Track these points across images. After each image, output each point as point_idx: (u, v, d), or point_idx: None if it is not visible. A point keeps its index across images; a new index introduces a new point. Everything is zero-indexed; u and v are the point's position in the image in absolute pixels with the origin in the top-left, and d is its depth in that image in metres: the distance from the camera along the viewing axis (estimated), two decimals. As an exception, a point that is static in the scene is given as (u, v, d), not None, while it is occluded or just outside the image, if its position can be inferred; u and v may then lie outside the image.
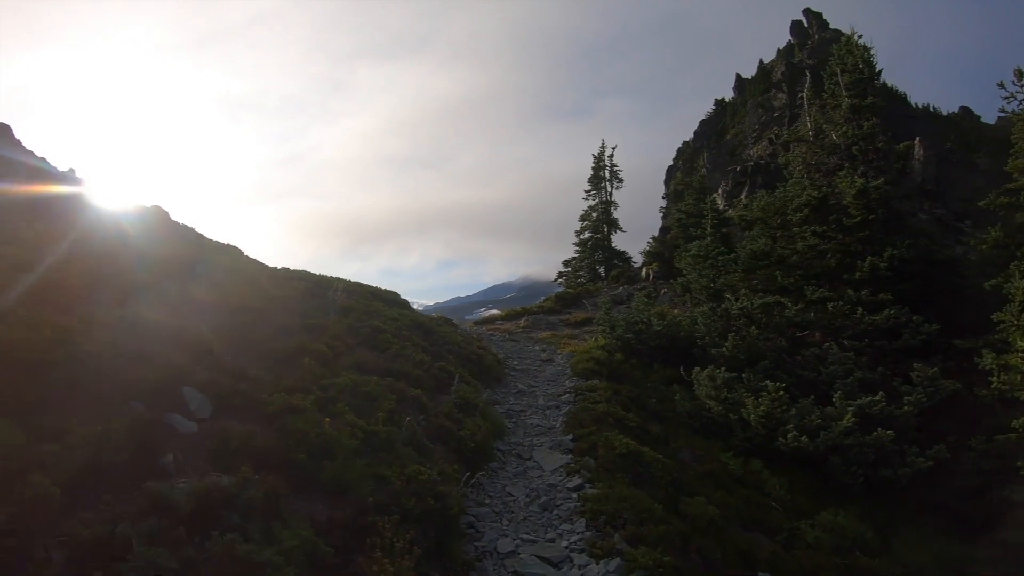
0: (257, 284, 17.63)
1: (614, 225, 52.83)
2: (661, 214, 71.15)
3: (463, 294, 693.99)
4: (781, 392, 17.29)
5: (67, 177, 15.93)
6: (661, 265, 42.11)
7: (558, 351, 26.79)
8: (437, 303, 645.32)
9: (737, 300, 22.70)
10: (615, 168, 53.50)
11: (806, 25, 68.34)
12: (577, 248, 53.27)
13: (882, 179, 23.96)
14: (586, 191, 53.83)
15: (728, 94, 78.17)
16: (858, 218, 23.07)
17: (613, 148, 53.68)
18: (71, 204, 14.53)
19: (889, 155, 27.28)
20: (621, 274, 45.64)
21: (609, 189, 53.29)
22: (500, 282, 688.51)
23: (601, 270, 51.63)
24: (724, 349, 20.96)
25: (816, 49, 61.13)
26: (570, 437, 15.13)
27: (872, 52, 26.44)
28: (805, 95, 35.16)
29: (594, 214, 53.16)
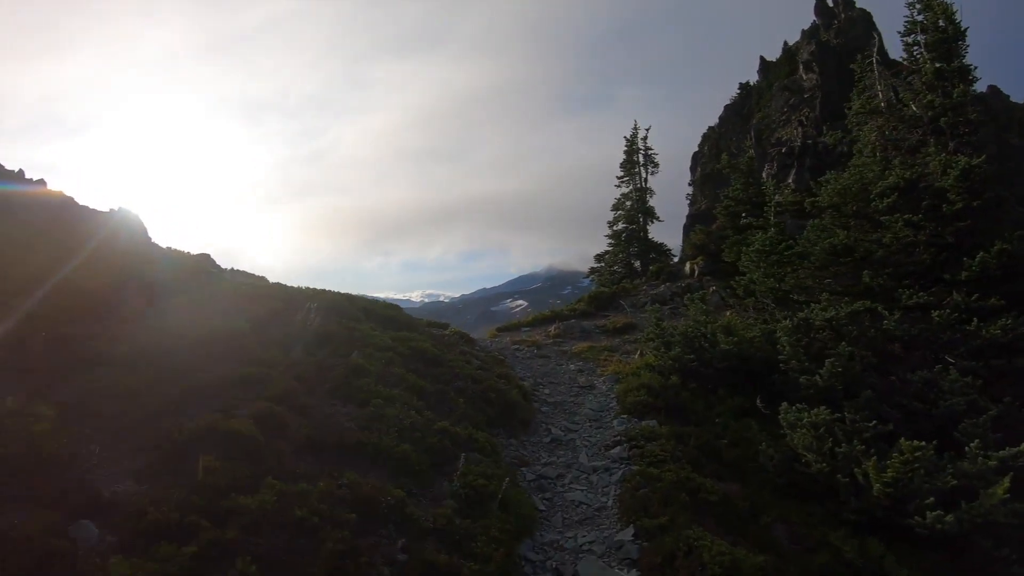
0: (204, 309, 13.01)
1: (650, 215, 47.60)
2: (688, 201, 70.62)
3: (489, 285, 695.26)
4: (918, 453, 12.24)
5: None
6: (708, 259, 37.23)
7: (598, 371, 22.15)
8: (463, 295, 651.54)
9: (819, 306, 17.76)
10: (650, 152, 48.32)
11: (831, 4, 64.86)
12: (610, 241, 48.09)
13: (983, 156, 18.75)
14: (618, 177, 48.62)
15: (751, 77, 75.74)
16: (959, 204, 17.94)
17: (647, 130, 48.53)
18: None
19: (983, 128, 22.20)
20: (661, 270, 40.50)
21: (644, 175, 48.08)
22: (526, 272, 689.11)
23: (637, 264, 46.45)
24: (817, 378, 15.90)
25: (843, 29, 59.24)
26: (631, 534, 10.34)
27: (955, 9, 20.98)
28: (874, 59, 29.90)
29: (628, 203, 47.98)
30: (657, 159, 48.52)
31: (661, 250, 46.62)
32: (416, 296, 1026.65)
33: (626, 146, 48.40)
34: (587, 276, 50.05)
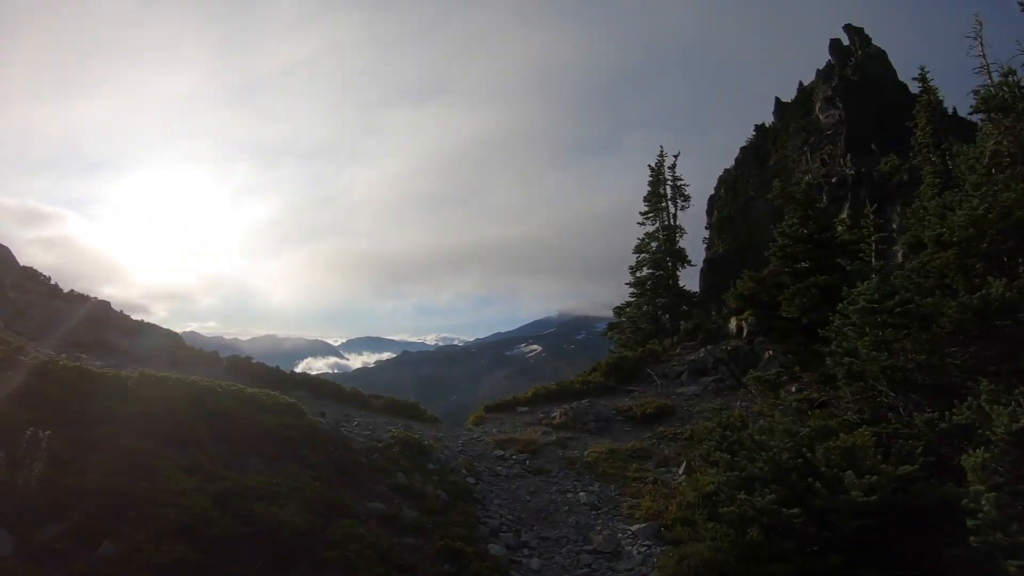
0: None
1: (680, 258, 39.31)
2: (705, 245, 68.88)
3: (503, 329, 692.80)
4: None
5: None
6: (759, 314, 29.12)
7: (625, 506, 14.05)
8: (478, 339, 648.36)
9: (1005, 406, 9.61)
10: (679, 183, 40.27)
11: (847, 43, 65.64)
12: (633, 290, 39.72)
13: None
14: (642, 214, 40.58)
15: (765, 119, 75.88)
16: None
17: (675, 157, 40.58)
18: None
19: None
20: (698, 327, 32.31)
21: (672, 210, 40.02)
22: (538, 317, 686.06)
23: (666, 319, 38.09)
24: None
25: (860, 65, 59.54)
26: None
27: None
28: (982, 53, 22.63)
29: (653, 244, 39.84)
30: (688, 191, 40.60)
31: (694, 300, 38.40)
32: (431, 339, 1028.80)
33: (651, 176, 40.61)
34: (607, 333, 42.01)
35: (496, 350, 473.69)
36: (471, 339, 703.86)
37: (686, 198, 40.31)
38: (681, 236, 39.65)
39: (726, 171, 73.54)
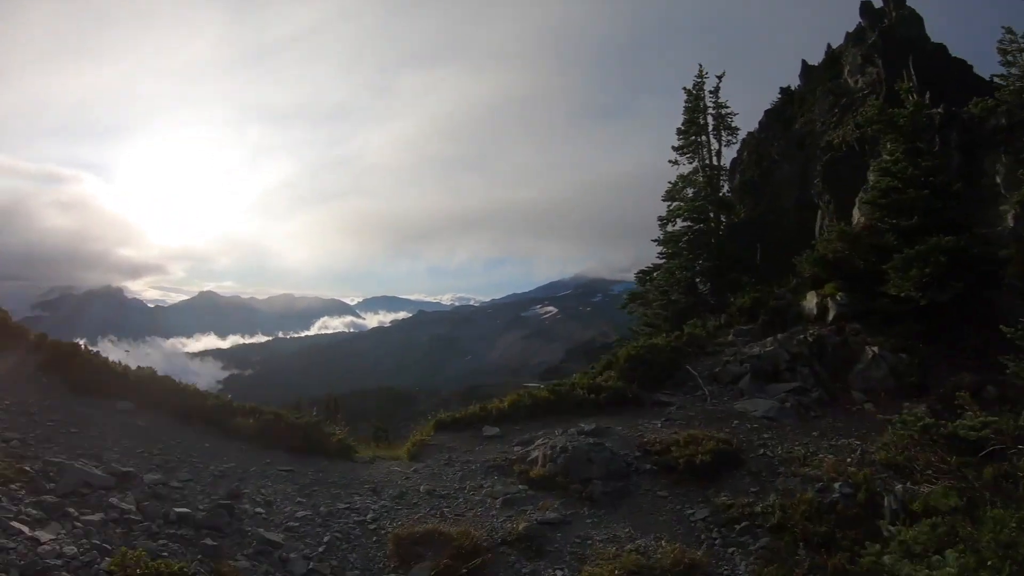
0: None
1: (726, 207, 29.85)
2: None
3: (519, 290, 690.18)
4: None
5: None
6: (853, 289, 20.14)
7: None
8: (493, 299, 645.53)
9: None
10: (724, 110, 30.59)
11: (878, 5, 60.68)
12: (662, 250, 30.17)
13: None
14: (675, 149, 30.83)
15: (790, 82, 70.67)
16: None
17: (719, 77, 30.97)
18: None
19: None
20: (759, 303, 22.91)
21: (715, 146, 30.32)
22: (552, 279, 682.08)
23: (705, 289, 28.61)
24: None
25: (894, 26, 55.38)
26: None
27: None
28: None
29: (689, 189, 30.10)
30: (735, 122, 31.07)
31: (747, 264, 28.72)
32: (447, 299, 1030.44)
33: (687, 102, 30.58)
34: (625, 306, 32.75)
35: (511, 311, 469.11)
36: (487, 300, 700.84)
37: (732, 131, 30.58)
38: (727, 180, 30.18)
39: (749, 134, 67.70)
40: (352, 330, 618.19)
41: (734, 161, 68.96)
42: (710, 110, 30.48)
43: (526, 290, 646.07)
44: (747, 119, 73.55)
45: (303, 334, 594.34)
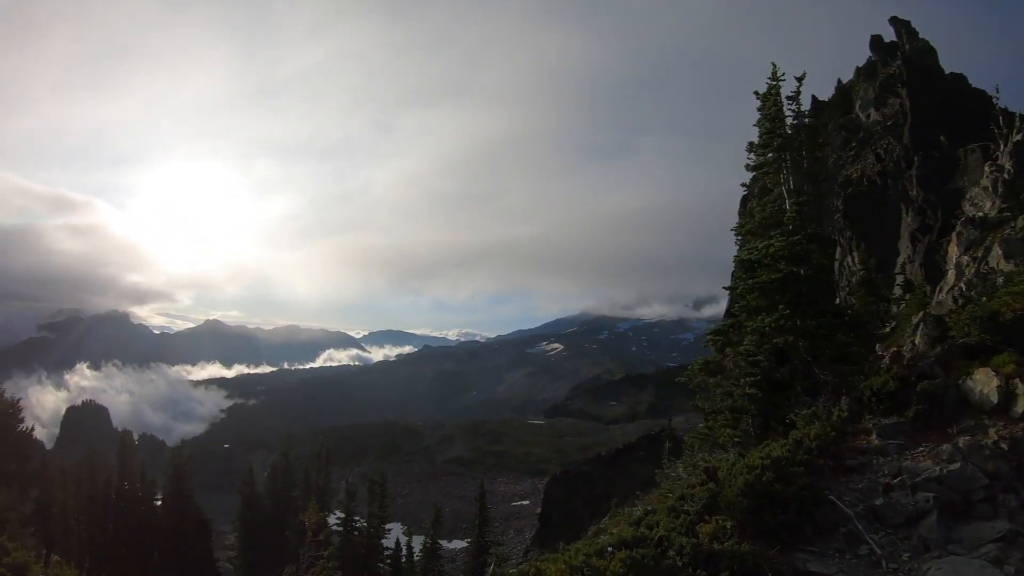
0: None
1: (826, 247, 23.66)
2: (738, 246, 62.61)
3: (525, 327, 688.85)
4: None
5: None
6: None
7: None
8: (499, 335, 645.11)
9: None
10: (806, 119, 24.26)
11: (888, 39, 63.16)
12: (745, 301, 21.88)
13: None
14: (752, 167, 26.34)
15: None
16: None
17: (799, 80, 23.30)
18: None
19: None
20: (906, 384, 14.41)
21: (804, 165, 25.50)
22: (555, 317, 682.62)
23: (802, 352, 19.71)
24: None
25: (911, 59, 56.82)
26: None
27: None
28: None
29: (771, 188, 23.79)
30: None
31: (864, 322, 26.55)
32: (452, 335, 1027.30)
33: (762, 109, 22.65)
34: (692, 382, 25.37)
35: (517, 347, 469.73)
36: (492, 335, 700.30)
37: (820, 146, 27.16)
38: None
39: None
40: (357, 363, 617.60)
41: (744, 198, 69.71)
42: (790, 116, 23.69)
43: (532, 327, 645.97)
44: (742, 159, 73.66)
45: (308, 365, 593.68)
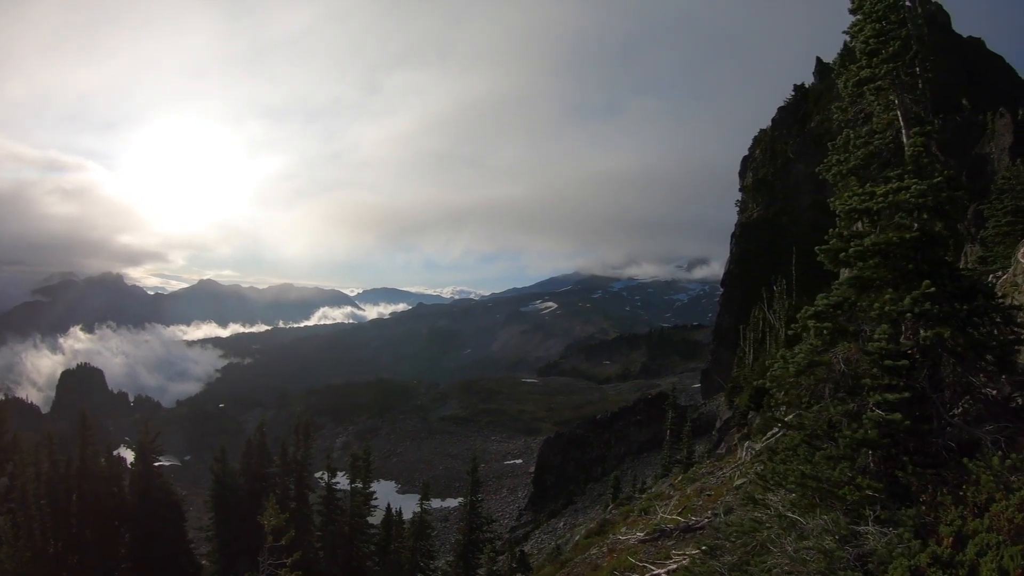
0: None
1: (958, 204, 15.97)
2: (738, 209, 68.58)
3: (517, 286, 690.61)
4: None
5: None
6: None
7: None
8: (493, 293, 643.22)
9: None
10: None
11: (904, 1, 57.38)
12: (851, 275, 9.60)
13: None
14: (860, 82, 14.75)
15: (791, 82, 72.59)
16: None
17: None
18: None
19: None
20: None
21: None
22: (546, 276, 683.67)
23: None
24: None
25: (924, 22, 49.47)
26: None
27: None
28: None
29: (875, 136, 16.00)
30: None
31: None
32: (447, 292, 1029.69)
33: (858, 5, 18.15)
34: (779, 376, 16.59)
35: (512, 306, 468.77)
36: (487, 294, 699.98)
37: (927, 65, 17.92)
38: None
39: (762, 131, 70.25)
40: (352, 321, 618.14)
41: (745, 159, 70.98)
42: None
43: (526, 285, 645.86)
44: (758, 117, 72.18)
45: (303, 324, 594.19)
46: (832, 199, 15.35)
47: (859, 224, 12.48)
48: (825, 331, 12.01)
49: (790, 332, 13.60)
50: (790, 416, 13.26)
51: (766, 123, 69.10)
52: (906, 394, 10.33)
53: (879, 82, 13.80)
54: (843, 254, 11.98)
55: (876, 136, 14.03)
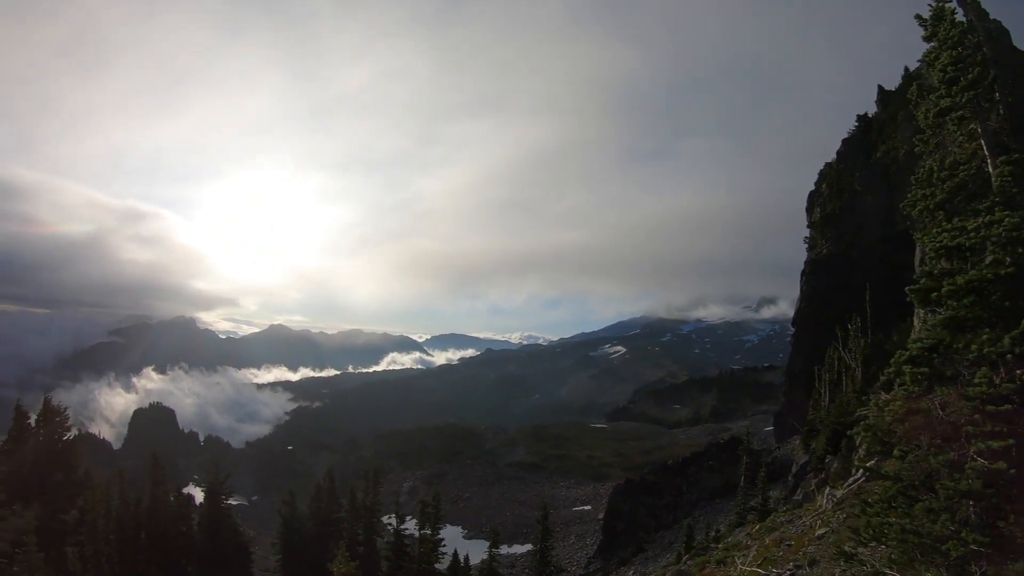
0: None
1: None
2: (807, 245, 66.53)
3: (585, 329, 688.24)
4: None
5: None
6: None
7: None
8: (562, 338, 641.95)
9: None
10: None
11: (962, 19, 54.35)
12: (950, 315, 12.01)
13: None
14: (940, 111, 12.47)
15: (861, 110, 67.83)
16: None
17: None
18: None
19: None
20: None
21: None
22: (618, 319, 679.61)
23: None
24: None
25: (985, 41, 48.24)
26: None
27: None
28: None
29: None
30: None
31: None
32: (515, 338, 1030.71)
33: (932, 34, 16.27)
34: (872, 423, 15.08)
35: (580, 350, 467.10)
36: (554, 339, 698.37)
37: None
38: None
39: (827, 165, 68.08)
40: (420, 366, 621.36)
41: (812, 194, 68.84)
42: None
43: (593, 329, 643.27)
44: (826, 150, 70.77)
45: (372, 369, 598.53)
46: (919, 235, 14.37)
47: (943, 262, 12.43)
48: (921, 376, 11.60)
49: (882, 376, 12.57)
50: (885, 466, 12.55)
51: (831, 156, 67.27)
52: (1010, 441, 9.71)
53: (960, 111, 14.00)
54: (935, 294, 11.79)
55: (961, 168, 13.87)
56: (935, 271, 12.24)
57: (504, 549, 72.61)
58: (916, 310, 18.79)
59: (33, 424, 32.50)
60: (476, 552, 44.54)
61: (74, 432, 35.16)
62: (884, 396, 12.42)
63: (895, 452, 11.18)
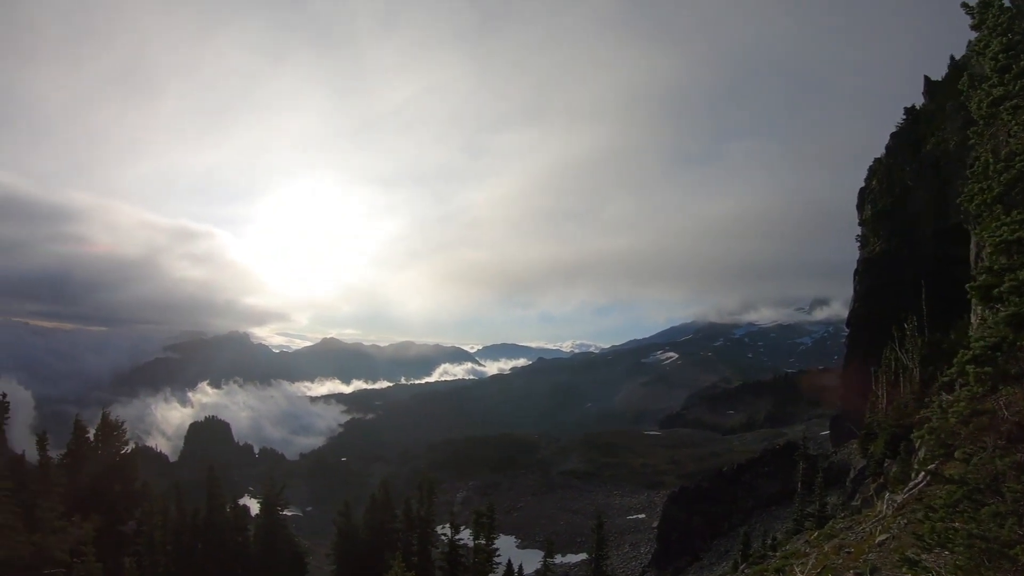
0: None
1: None
2: (859, 244, 65.22)
3: (634, 337, 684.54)
4: None
5: None
6: None
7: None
8: (614, 346, 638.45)
9: None
10: None
11: (1009, 5, 53.08)
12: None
13: None
14: (994, 100, 12.37)
15: (908, 102, 66.21)
16: None
17: None
18: None
19: None
20: None
21: None
22: (669, 324, 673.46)
23: None
24: None
25: None
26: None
27: None
28: None
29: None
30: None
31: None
32: (567, 347, 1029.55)
33: (980, 22, 15.11)
34: (935, 426, 14.25)
35: (632, 358, 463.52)
36: (606, 346, 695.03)
37: None
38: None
39: (877, 160, 66.46)
40: (472, 377, 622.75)
41: (862, 191, 67.10)
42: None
43: (644, 335, 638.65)
44: (872, 145, 68.45)
45: (424, 380, 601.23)
46: (977, 230, 13.80)
47: (1003, 257, 11.59)
48: (985, 376, 11.07)
49: (942, 376, 12.18)
50: (948, 469, 11.90)
51: (873, 152, 65.51)
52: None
53: (1015, 100, 13.39)
54: (996, 290, 11.35)
55: (1017, 159, 12.97)
56: (995, 267, 11.59)
57: (558, 558, 72.34)
58: (973, 307, 18.39)
59: (92, 439, 33.13)
60: (530, 562, 44.44)
61: (132, 446, 35.84)
62: (947, 397, 12.22)
63: (957, 454, 10.75)
